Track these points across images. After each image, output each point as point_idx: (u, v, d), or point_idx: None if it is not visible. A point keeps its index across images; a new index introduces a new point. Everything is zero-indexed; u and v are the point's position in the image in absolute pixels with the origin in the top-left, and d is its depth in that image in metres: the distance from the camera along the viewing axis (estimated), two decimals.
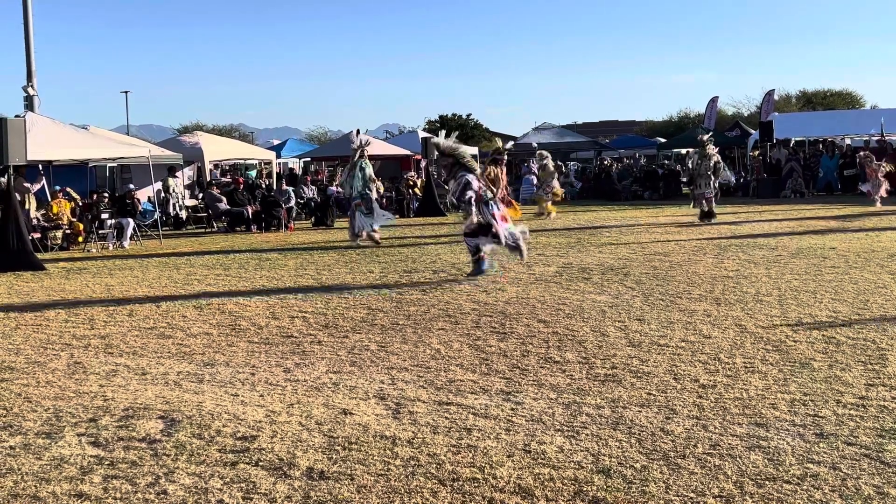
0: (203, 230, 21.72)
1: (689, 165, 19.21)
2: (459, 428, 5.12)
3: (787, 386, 5.79)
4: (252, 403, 5.78)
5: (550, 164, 22.92)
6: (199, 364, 6.97)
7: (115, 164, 23.71)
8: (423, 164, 26.54)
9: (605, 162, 36.16)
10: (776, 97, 42.11)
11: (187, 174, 25.19)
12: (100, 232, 17.26)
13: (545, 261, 12.70)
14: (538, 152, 24.14)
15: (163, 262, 14.38)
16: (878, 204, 21.23)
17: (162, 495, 4.23)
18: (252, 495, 4.20)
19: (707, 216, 18.60)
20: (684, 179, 19.68)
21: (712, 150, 18.99)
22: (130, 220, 17.87)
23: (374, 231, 16.07)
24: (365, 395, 5.91)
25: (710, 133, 22.64)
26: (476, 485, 4.25)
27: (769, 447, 4.63)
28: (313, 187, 25.59)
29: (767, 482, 4.17)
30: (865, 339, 7.04)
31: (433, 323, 8.31)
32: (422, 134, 32.62)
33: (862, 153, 24.09)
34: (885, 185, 21.92)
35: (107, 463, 4.69)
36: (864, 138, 30.31)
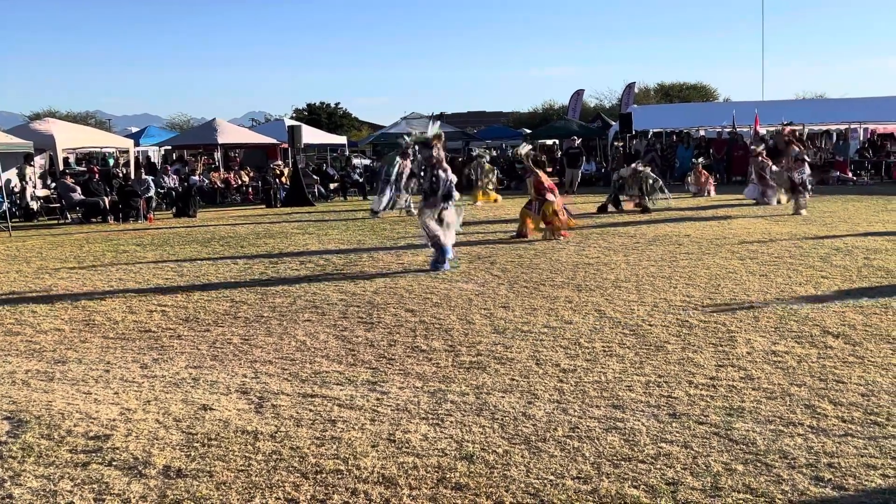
0: (56, 221, 20.72)
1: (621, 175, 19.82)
2: (324, 420, 5.07)
3: (642, 368, 6.00)
4: (106, 401, 5.55)
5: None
6: (49, 361, 6.64)
7: None
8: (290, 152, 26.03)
9: (473, 152, 36.53)
10: (636, 90, 43.54)
11: (38, 163, 23.95)
12: None
13: (414, 251, 12.73)
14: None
15: (11, 255, 13.63)
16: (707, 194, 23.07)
17: (7, 500, 4.01)
18: (105, 496, 4.03)
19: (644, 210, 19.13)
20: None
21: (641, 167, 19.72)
22: None
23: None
24: (226, 389, 5.77)
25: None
26: (339, 476, 4.21)
27: (625, 428, 4.78)
28: (174, 176, 24.79)
29: (623, 462, 4.30)
30: (716, 323, 7.37)
31: (299, 314, 8.20)
32: (288, 122, 32.07)
33: (694, 160, 25.45)
34: (710, 186, 23.58)
35: None
36: (717, 129, 31.74)
